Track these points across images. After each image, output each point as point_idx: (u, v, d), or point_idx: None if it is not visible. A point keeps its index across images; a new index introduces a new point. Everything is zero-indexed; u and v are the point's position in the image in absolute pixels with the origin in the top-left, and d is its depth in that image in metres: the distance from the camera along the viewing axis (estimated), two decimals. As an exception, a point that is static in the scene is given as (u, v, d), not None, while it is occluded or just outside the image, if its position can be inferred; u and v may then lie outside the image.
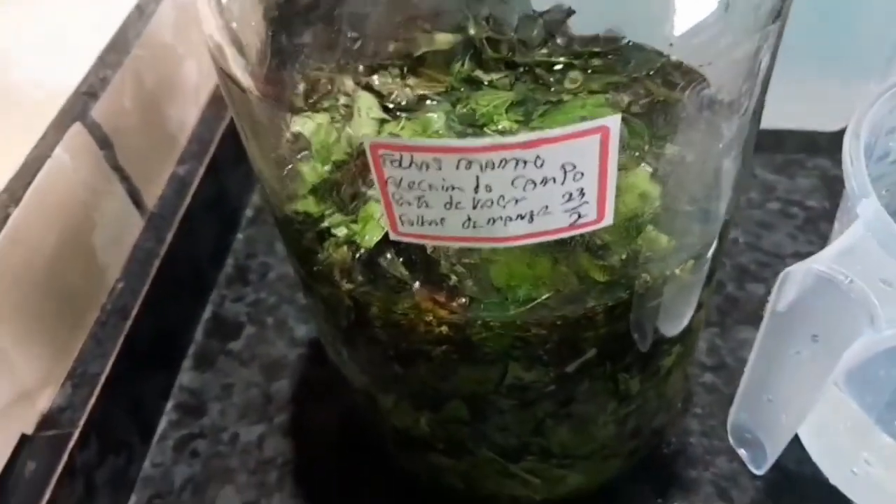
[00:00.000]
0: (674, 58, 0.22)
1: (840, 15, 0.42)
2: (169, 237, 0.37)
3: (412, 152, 0.17)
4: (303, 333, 0.37)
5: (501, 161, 0.16)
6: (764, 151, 0.43)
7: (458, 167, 0.17)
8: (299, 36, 0.25)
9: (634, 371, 0.24)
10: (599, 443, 0.27)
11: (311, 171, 0.24)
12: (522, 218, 0.17)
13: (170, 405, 0.36)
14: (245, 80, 0.20)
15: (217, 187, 0.41)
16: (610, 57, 0.24)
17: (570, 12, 0.25)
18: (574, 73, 0.24)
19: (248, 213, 0.44)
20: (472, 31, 0.25)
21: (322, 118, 0.23)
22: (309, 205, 0.24)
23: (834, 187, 0.41)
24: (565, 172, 0.17)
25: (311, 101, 0.23)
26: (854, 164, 0.23)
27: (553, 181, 0.17)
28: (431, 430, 0.26)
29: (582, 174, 0.17)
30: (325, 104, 0.23)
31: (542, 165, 0.16)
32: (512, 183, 0.17)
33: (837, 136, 0.42)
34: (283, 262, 0.41)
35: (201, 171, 0.40)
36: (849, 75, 0.39)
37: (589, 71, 0.24)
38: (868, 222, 0.21)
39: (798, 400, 0.22)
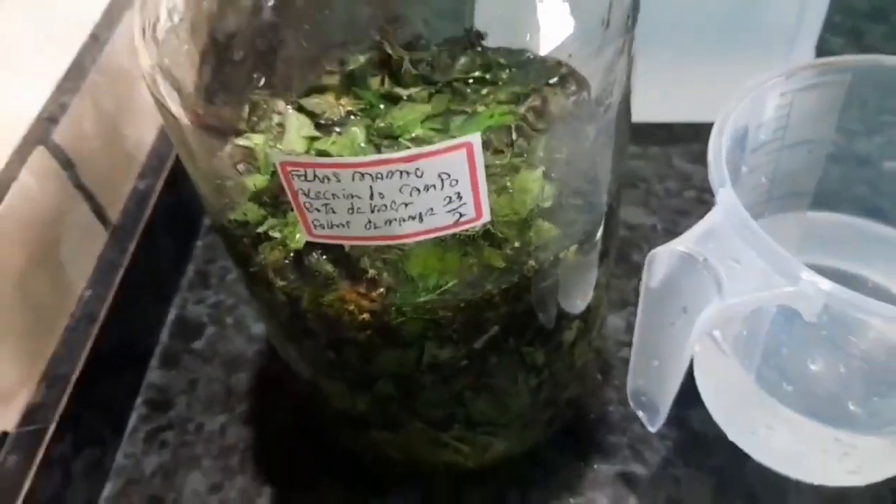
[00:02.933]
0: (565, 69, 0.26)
1: (748, 10, 0.45)
2: (132, 247, 0.40)
3: (314, 168, 0.20)
4: (259, 331, 0.41)
5: (388, 173, 0.20)
6: (681, 143, 0.47)
7: (353, 179, 0.20)
8: (238, 66, 0.28)
9: (538, 345, 0.28)
10: (516, 411, 0.30)
11: (252, 182, 0.27)
12: (413, 219, 0.21)
13: (139, 401, 0.39)
14: (177, 110, 0.23)
15: (176, 199, 0.44)
16: (513, 70, 0.27)
17: (482, 35, 0.28)
18: (485, 89, 0.27)
19: (207, 221, 0.47)
20: (389, 52, 0.29)
21: (259, 138, 0.26)
22: (250, 212, 0.27)
23: None
24: (443, 180, 0.20)
25: (251, 123, 0.27)
26: (714, 159, 0.27)
27: (434, 188, 0.20)
28: (368, 409, 0.30)
29: (457, 181, 0.20)
30: (262, 125, 0.26)
31: (422, 175, 0.20)
32: (400, 190, 0.20)
33: None
34: (242, 266, 0.44)
35: (160, 184, 0.43)
36: (757, 67, 0.42)
37: (498, 83, 0.27)
38: (724, 209, 0.25)
39: (677, 364, 0.26)
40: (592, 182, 0.26)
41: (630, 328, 0.39)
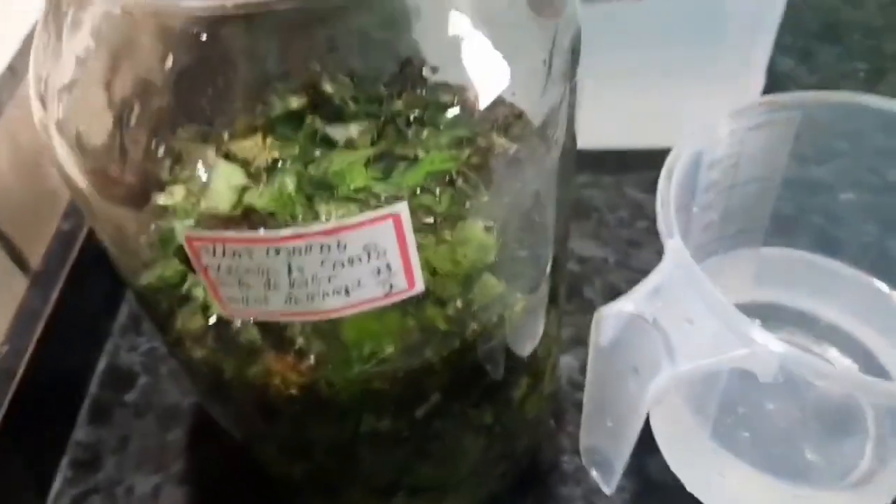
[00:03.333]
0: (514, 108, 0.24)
1: (701, 34, 0.44)
2: (55, 294, 0.37)
3: (224, 243, 0.18)
4: (196, 380, 0.38)
5: (307, 247, 0.18)
6: (633, 171, 0.46)
7: (268, 254, 0.18)
8: (155, 114, 0.26)
9: (485, 405, 0.26)
10: (466, 471, 0.28)
11: (168, 240, 0.25)
12: (339, 293, 0.19)
13: (65, 461, 0.36)
14: (78, 177, 0.21)
15: (105, 239, 0.41)
16: (454, 111, 0.26)
17: (426, 68, 0.26)
18: (426, 131, 0.25)
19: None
20: (326, 89, 0.27)
21: (180, 192, 0.24)
22: (170, 269, 0.25)
23: None
24: (368, 253, 0.18)
25: (173, 174, 0.24)
26: (663, 207, 0.25)
27: (359, 260, 0.18)
28: (304, 475, 0.28)
29: (385, 251, 0.18)
30: (184, 175, 0.24)
31: (345, 249, 0.18)
32: (321, 264, 0.18)
33: None
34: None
35: (87, 224, 0.40)
36: (710, 93, 0.41)
37: (439, 126, 0.26)
38: (674, 261, 0.24)
39: (632, 423, 0.25)
40: (538, 231, 0.25)
41: (584, 368, 0.37)
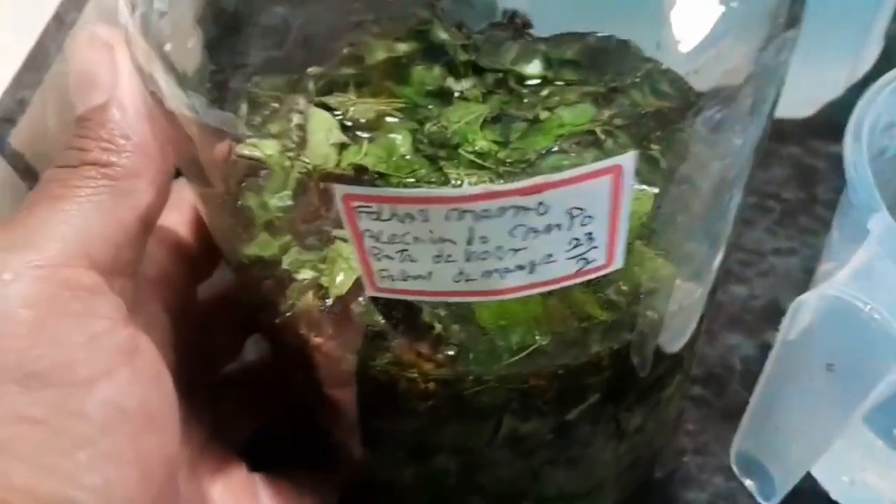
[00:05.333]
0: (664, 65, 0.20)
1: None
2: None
3: (394, 204, 0.14)
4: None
5: (499, 210, 0.14)
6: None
7: (447, 218, 0.14)
8: (238, 52, 0.22)
9: (636, 407, 0.22)
10: (598, 480, 0.25)
11: (262, 206, 0.21)
12: (522, 269, 0.15)
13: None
14: (181, 111, 0.17)
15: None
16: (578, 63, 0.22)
17: (528, 23, 0.23)
18: (547, 89, 0.22)
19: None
20: (441, 36, 0.23)
21: (271, 146, 0.20)
22: (264, 245, 0.21)
23: (808, 177, 0.40)
24: (572, 217, 0.14)
25: (255, 124, 0.20)
26: (858, 173, 0.21)
27: (557, 228, 0.14)
28: (416, 482, 0.24)
29: (591, 217, 0.14)
30: (274, 128, 0.20)
31: (545, 212, 0.14)
32: (510, 232, 0.14)
33: (807, 123, 0.40)
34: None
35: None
36: (815, 61, 0.37)
37: (561, 83, 0.22)
38: (882, 239, 0.20)
39: (812, 432, 0.21)
40: (716, 212, 0.21)
41: (699, 359, 0.33)
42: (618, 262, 0.16)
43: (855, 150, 0.22)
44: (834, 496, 0.28)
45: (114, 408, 0.17)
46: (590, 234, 0.15)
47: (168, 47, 0.19)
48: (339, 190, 0.14)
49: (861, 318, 0.18)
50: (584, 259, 0.15)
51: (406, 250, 0.15)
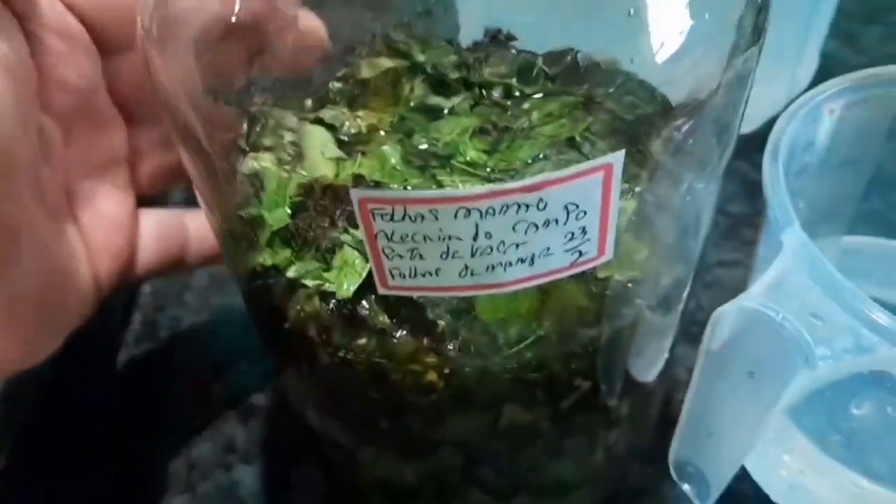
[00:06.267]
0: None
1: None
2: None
3: (406, 204, 0.15)
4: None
5: (503, 207, 0.15)
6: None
7: (455, 216, 0.15)
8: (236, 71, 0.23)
9: (626, 396, 0.24)
10: (592, 470, 0.26)
11: (263, 218, 0.22)
12: (523, 262, 0.17)
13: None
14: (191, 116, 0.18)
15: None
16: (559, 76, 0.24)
17: (511, 37, 0.24)
18: (528, 102, 0.23)
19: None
20: (420, 57, 0.24)
21: (268, 159, 0.21)
22: (268, 256, 0.22)
23: (753, 191, 0.41)
24: (568, 213, 0.16)
25: (251, 140, 0.22)
26: (774, 191, 0.23)
27: (555, 222, 0.16)
28: (419, 479, 0.25)
29: (585, 213, 0.16)
30: (268, 142, 0.22)
31: (544, 208, 0.16)
32: (513, 228, 0.16)
33: (752, 139, 0.43)
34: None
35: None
36: (756, 78, 0.40)
37: (541, 95, 0.23)
38: (794, 253, 0.21)
39: (738, 435, 0.22)
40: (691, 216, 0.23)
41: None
42: (608, 255, 0.17)
43: (772, 170, 0.23)
44: (775, 499, 0.29)
45: None
46: (583, 227, 0.16)
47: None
48: (356, 194, 0.15)
49: (773, 327, 0.20)
50: (579, 251, 0.17)
51: (416, 248, 0.16)
